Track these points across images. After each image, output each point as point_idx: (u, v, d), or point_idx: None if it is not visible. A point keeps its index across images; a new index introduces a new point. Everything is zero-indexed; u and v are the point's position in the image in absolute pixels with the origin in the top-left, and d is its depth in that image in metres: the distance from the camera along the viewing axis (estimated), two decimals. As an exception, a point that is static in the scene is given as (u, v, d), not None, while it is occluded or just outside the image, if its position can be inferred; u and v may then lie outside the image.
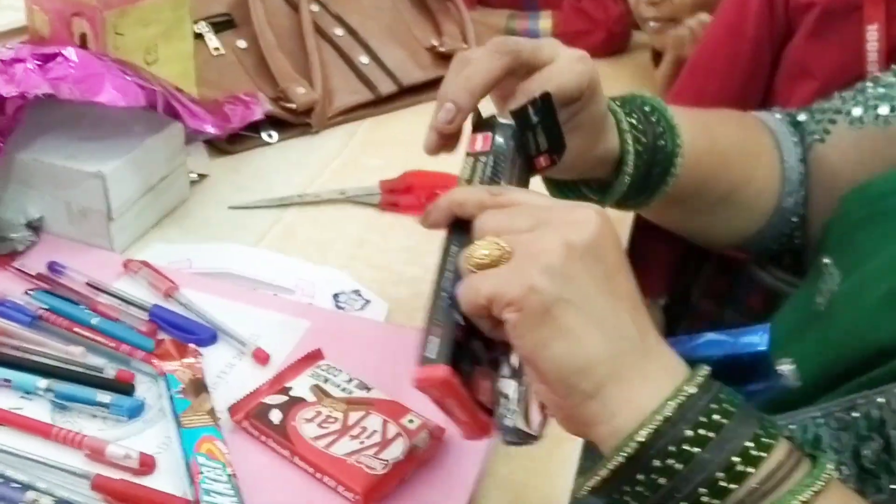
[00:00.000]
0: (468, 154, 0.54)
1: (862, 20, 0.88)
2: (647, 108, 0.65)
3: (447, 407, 0.45)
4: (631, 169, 0.63)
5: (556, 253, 0.40)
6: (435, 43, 1.06)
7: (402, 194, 0.84)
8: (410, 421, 0.55)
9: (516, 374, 0.45)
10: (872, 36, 0.88)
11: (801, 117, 0.75)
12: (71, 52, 0.66)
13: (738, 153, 0.72)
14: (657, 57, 1.16)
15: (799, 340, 0.59)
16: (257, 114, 0.83)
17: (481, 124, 0.55)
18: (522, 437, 0.44)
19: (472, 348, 0.45)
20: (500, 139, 0.53)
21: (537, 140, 0.54)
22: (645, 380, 0.41)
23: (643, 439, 0.39)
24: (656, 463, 0.39)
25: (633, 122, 0.63)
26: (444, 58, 1.05)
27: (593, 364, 0.40)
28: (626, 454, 0.40)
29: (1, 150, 0.65)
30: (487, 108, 0.58)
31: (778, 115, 0.76)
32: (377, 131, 0.99)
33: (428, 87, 1.04)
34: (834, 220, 0.65)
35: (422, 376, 0.43)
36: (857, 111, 0.69)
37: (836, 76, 0.91)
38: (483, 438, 0.46)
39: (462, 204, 0.47)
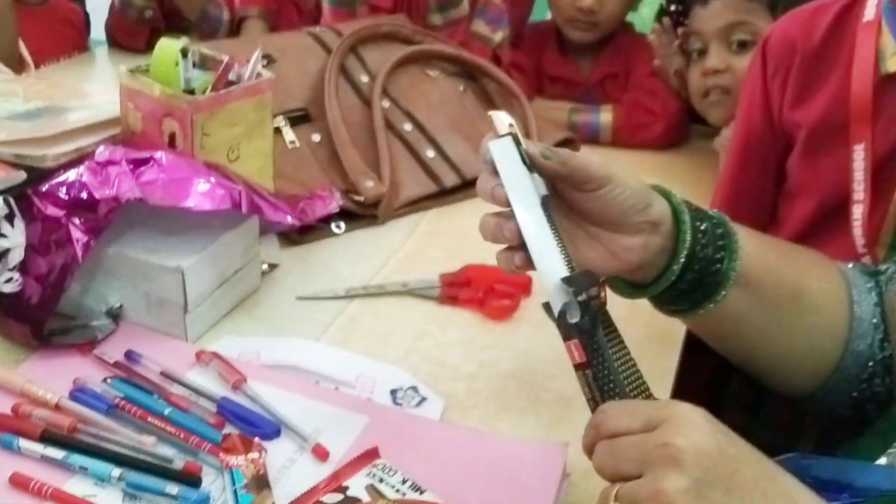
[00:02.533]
0: (576, 368, 0.56)
1: (849, 140, 0.89)
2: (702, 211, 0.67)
3: None
4: (688, 229, 0.63)
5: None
6: (499, 137, 1.09)
7: (462, 288, 0.87)
8: (460, 526, 0.57)
9: None
10: (859, 155, 0.89)
11: (883, 266, 0.73)
12: (162, 157, 0.71)
13: (803, 256, 0.71)
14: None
15: None
16: (332, 208, 0.88)
17: (560, 324, 0.56)
18: None
19: None
20: (579, 326, 0.54)
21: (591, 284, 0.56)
22: None
23: None
24: None
25: (686, 204, 0.65)
26: (508, 152, 1.09)
27: None
28: None
29: (90, 247, 0.70)
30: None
31: (850, 265, 0.75)
32: (440, 222, 1.03)
33: (491, 180, 1.08)
34: None
35: None
36: None
37: (829, 194, 0.92)
38: None
39: (588, 450, 0.52)
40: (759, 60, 0.99)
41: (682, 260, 0.64)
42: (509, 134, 0.60)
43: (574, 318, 0.54)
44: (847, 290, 0.70)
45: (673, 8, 1.44)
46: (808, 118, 0.95)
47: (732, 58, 1.16)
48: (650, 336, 0.80)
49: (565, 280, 0.56)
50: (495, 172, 0.60)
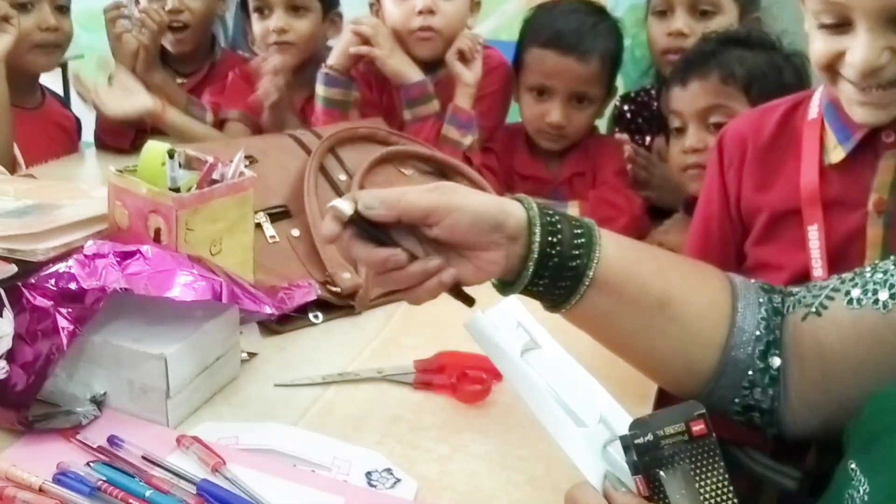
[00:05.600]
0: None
1: (803, 222, 0.97)
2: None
3: None
4: (537, 238, 0.70)
5: None
6: (470, 232, 1.15)
7: (435, 374, 0.90)
8: None
9: None
10: (813, 235, 0.97)
11: (796, 289, 0.78)
12: (147, 250, 0.76)
13: (677, 266, 0.77)
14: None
15: None
16: (309, 297, 0.91)
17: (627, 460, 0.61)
18: None
19: None
20: (636, 464, 0.59)
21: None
22: None
23: None
24: None
25: (544, 211, 0.72)
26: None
27: None
28: None
29: (76, 336, 0.73)
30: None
31: (752, 280, 0.80)
32: (414, 312, 1.05)
33: (463, 272, 1.12)
34: (857, 425, 0.67)
35: None
36: (855, 292, 0.72)
37: (796, 269, 0.99)
38: None
39: None
40: (716, 154, 1.09)
41: (531, 265, 0.71)
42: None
43: (632, 456, 0.59)
44: (730, 302, 0.75)
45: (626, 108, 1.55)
46: (768, 204, 1.03)
47: (710, 137, 1.23)
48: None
49: (624, 437, 0.60)
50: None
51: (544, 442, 0.80)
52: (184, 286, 0.74)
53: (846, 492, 0.63)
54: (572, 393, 0.65)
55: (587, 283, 0.72)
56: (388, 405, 0.86)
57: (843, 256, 0.96)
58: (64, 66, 2.90)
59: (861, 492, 0.62)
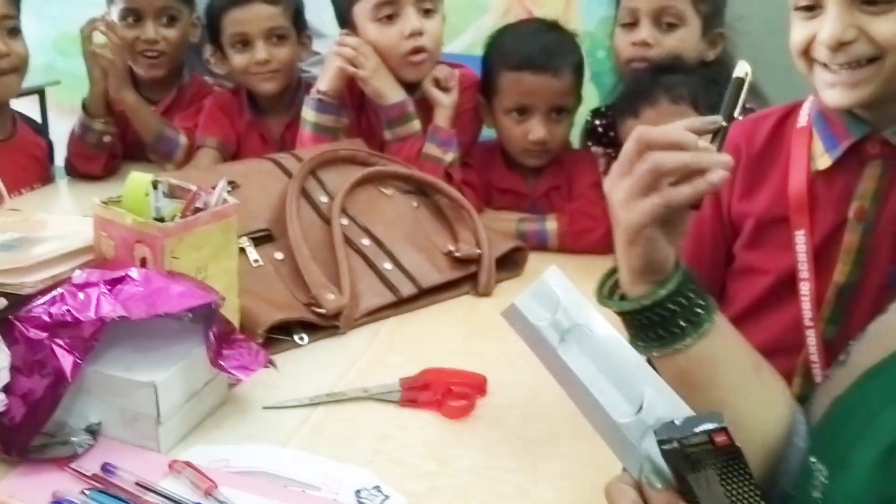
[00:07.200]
0: None
1: (790, 227, 1.02)
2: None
3: None
4: (682, 271, 0.73)
5: None
6: (451, 248, 1.17)
7: (421, 391, 0.92)
8: None
9: None
10: (800, 240, 1.02)
11: None
12: (134, 272, 0.78)
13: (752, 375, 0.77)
14: None
15: None
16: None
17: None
18: None
19: None
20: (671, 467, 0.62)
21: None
22: None
23: None
24: None
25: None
26: (459, 261, 1.16)
27: None
28: None
29: (79, 367, 0.74)
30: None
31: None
32: (399, 330, 1.08)
33: (444, 289, 1.15)
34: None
35: None
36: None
37: (783, 272, 1.03)
38: None
39: None
40: None
41: (674, 280, 0.72)
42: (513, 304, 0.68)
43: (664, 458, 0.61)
44: (787, 392, 0.77)
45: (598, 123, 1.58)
46: (755, 210, 1.07)
47: None
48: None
49: (657, 434, 0.62)
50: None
51: (530, 454, 0.83)
52: (178, 298, 0.76)
53: (810, 483, 0.66)
54: (615, 375, 0.65)
55: (714, 320, 0.72)
56: (376, 423, 0.88)
57: (821, 261, 1.01)
58: (41, 93, 2.93)
59: (822, 478, 0.65)
